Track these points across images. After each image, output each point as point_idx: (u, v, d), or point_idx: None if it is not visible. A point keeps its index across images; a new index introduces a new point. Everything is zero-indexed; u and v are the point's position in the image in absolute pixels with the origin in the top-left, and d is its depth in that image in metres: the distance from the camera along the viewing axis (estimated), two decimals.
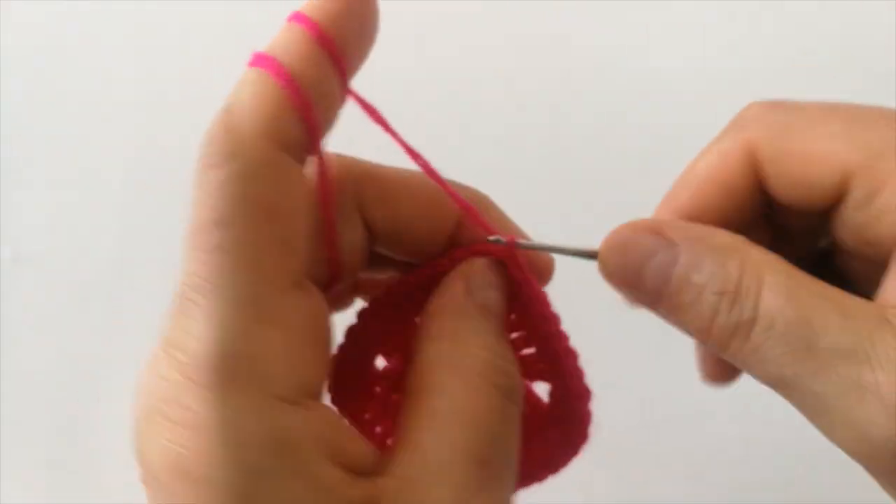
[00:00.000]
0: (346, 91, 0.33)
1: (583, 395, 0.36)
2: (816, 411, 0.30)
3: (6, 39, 0.74)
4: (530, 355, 0.37)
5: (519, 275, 0.35)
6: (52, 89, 0.75)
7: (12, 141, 0.75)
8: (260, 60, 0.31)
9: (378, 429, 0.37)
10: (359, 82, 0.36)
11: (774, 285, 0.30)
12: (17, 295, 0.74)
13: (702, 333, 0.31)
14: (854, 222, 0.33)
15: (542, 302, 0.35)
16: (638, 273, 0.32)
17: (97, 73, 0.75)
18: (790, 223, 0.37)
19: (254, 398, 0.26)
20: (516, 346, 0.36)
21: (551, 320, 0.35)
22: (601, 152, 0.71)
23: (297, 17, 0.31)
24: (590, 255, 0.34)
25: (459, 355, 0.31)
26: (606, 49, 0.71)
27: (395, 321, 0.36)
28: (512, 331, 0.36)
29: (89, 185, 0.74)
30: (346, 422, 0.32)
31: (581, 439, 0.37)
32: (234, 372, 0.26)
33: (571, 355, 0.36)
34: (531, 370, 0.37)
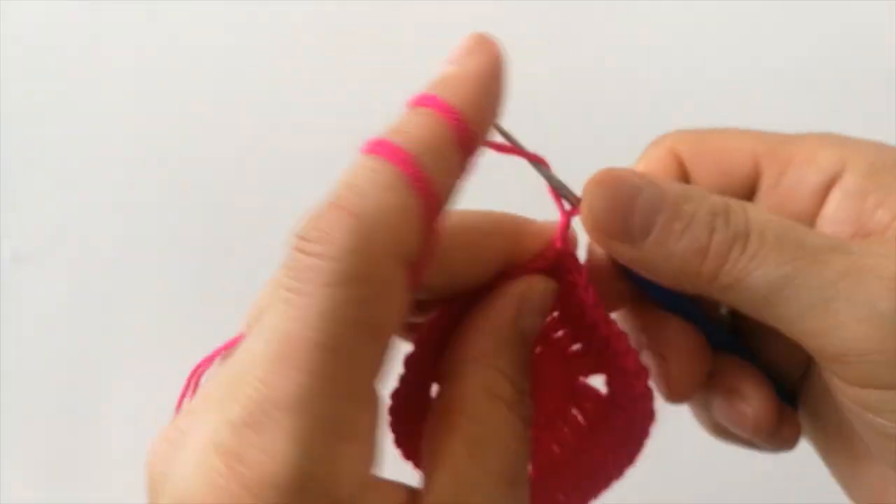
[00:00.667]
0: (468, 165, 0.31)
1: (640, 373, 0.36)
2: (815, 308, 0.31)
3: (6, 39, 0.75)
4: (577, 351, 0.37)
5: (570, 272, 0.35)
6: (52, 89, 0.75)
7: (12, 141, 0.75)
8: (393, 154, 0.27)
9: None
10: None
11: (756, 209, 0.33)
12: (17, 295, 0.74)
13: (698, 255, 0.32)
14: (769, 205, 0.36)
15: (591, 295, 0.35)
16: (628, 205, 0.33)
17: (97, 73, 0.75)
18: None
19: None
20: (562, 344, 0.37)
21: (600, 313, 0.36)
22: (601, 153, 0.71)
23: (431, 102, 0.29)
24: (571, 200, 0.35)
25: (496, 384, 0.31)
26: (605, 49, 0.72)
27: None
28: (557, 329, 0.37)
29: (89, 185, 0.74)
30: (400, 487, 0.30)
31: (647, 421, 0.37)
32: (304, 491, 0.25)
33: (622, 338, 0.36)
34: (581, 365, 0.37)
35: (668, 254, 0.33)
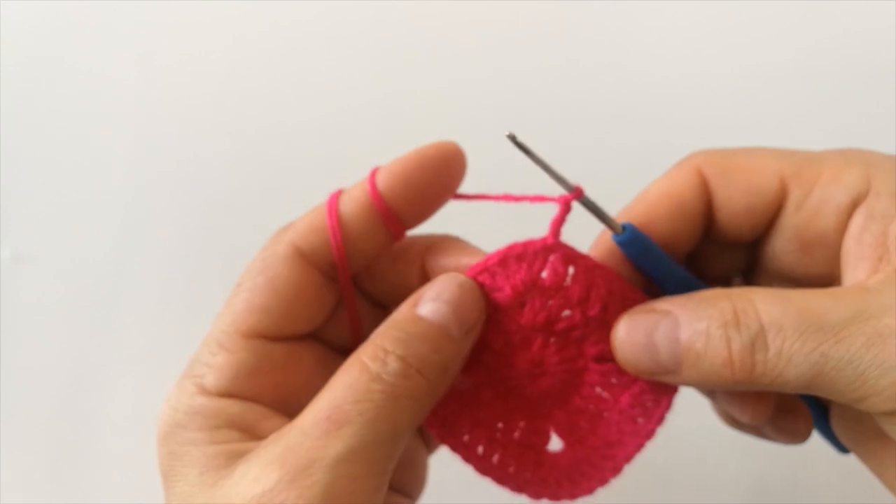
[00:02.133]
0: (398, 232, 0.40)
1: None
2: (853, 382, 0.32)
3: (6, 39, 0.75)
4: (588, 334, 0.39)
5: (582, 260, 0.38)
6: (52, 89, 0.75)
7: (12, 141, 0.75)
8: (330, 200, 0.40)
9: (480, 448, 0.40)
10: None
11: (765, 298, 0.34)
12: (17, 295, 0.74)
13: (726, 367, 0.34)
14: (795, 224, 0.38)
15: (605, 269, 0.38)
16: (650, 346, 0.36)
17: (97, 73, 0.75)
18: (726, 248, 0.41)
19: (192, 386, 0.39)
20: (571, 332, 0.39)
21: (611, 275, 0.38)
22: (601, 153, 0.71)
23: (371, 175, 0.40)
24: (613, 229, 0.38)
25: (362, 350, 0.37)
26: (605, 49, 0.72)
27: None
28: (564, 308, 0.38)
29: (89, 185, 0.74)
30: (269, 411, 0.39)
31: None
32: (191, 371, 0.39)
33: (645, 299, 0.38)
34: (602, 346, 0.39)
35: (703, 374, 0.35)
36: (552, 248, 0.37)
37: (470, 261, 0.39)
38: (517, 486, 0.40)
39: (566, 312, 0.38)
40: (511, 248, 0.38)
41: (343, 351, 0.41)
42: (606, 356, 0.39)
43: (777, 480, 0.68)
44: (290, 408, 0.39)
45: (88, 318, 0.74)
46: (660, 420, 0.39)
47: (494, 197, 0.39)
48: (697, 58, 0.71)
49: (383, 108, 0.71)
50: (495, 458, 0.40)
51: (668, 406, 0.39)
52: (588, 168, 0.70)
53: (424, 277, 0.41)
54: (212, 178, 0.73)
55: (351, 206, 0.40)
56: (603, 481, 0.40)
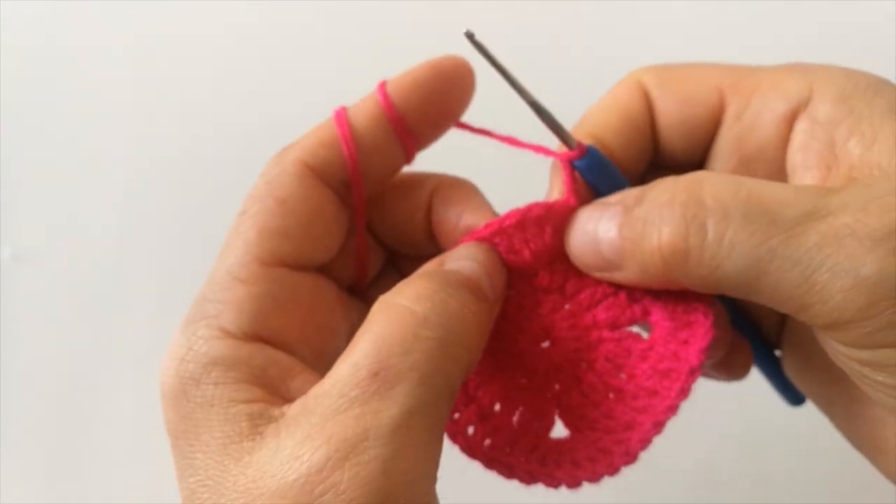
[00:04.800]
0: (410, 153, 0.37)
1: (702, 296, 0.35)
2: (799, 285, 0.29)
3: (6, 39, 0.75)
4: (612, 304, 0.37)
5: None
6: (52, 90, 0.75)
7: (12, 141, 0.75)
8: (338, 113, 0.36)
9: (470, 429, 0.36)
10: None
11: (715, 180, 0.31)
12: (17, 295, 0.74)
13: (654, 255, 0.31)
14: (733, 137, 0.35)
15: None
16: (592, 236, 0.33)
17: (97, 73, 0.75)
18: (676, 157, 0.38)
19: (206, 329, 0.33)
20: (594, 299, 0.37)
21: None
22: None
23: (381, 86, 0.36)
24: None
25: (395, 295, 0.32)
26: (605, 49, 0.72)
27: None
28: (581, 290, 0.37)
29: (89, 185, 0.74)
30: (296, 364, 0.33)
31: (705, 340, 0.35)
32: (202, 311, 0.33)
33: None
34: (618, 316, 0.37)
35: (644, 266, 0.32)
36: (574, 209, 0.35)
37: (476, 218, 0.36)
38: (510, 472, 0.36)
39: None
40: (530, 209, 0.35)
41: (348, 291, 0.38)
42: (620, 323, 0.36)
43: (778, 481, 0.68)
44: (314, 352, 0.34)
45: (88, 317, 0.74)
46: (681, 392, 0.35)
47: (498, 136, 0.37)
48: (697, 57, 0.71)
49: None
50: (487, 442, 0.36)
51: (691, 377, 0.35)
52: None
53: (429, 223, 0.38)
54: (212, 178, 0.73)
55: (363, 117, 0.36)
56: (612, 467, 0.35)
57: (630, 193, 0.33)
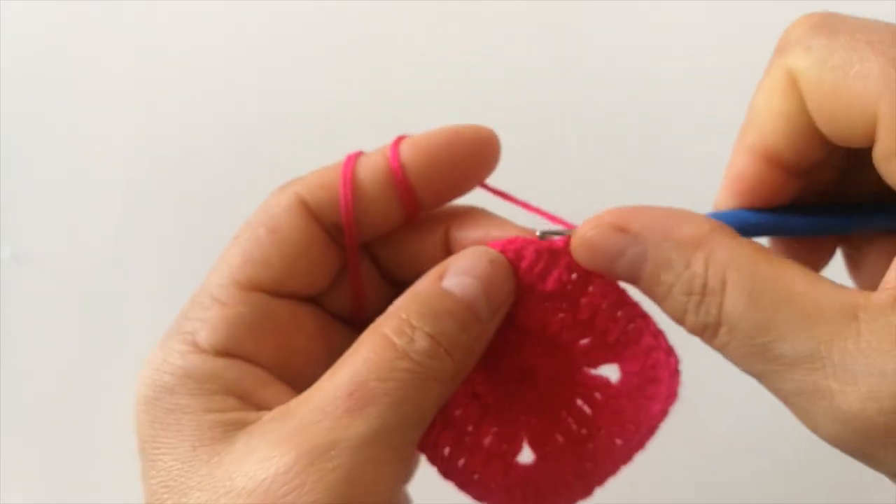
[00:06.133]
0: (413, 211, 0.37)
1: (670, 350, 0.37)
2: (784, 402, 0.31)
3: (6, 39, 0.75)
4: (586, 344, 0.37)
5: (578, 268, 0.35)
6: (52, 89, 0.75)
7: (12, 141, 0.75)
8: (350, 156, 0.37)
9: (469, 428, 0.38)
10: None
11: (738, 286, 0.31)
12: (17, 295, 0.74)
13: (678, 322, 0.33)
14: (886, 170, 0.32)
15: (611, 287, 0.36)
16: (610, 269, 0.34)
17: (97, 73, 0.75)
18: (850, 158, 0.36)
19: (181, 344, 0.35)
20: (569, 339, 0.37)
21: (619, 297, 0.36)
22: (600, 153, 0.71)
23: (395, 142, 0.37)
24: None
25: (384, 323, 0.34)
26: (604, 49, 0.71)
27: None
28: (564, 327, 0.37)
29: (89, 185, 0.74)
30: (268, 377, 0.35)
31: (669, 401, 0.37)
32: (179, 327, 0.35)
33: (649, 320, 0.37)
34: (591, 357, 0.38)
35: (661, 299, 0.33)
36: (566, 253, 0.35)
37: (500, 233, 0.36)
38: (479, 494, 0.37)
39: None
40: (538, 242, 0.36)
41: (344, 321, 0.39)
42: (593, 360, 0.38)
43: (778, 481, 0.68)
44: (289, 373, 0.36)
45: (88, 317, 0.74)
46: (640, 446, 0.38)
47: (515, 200, 0.38)
48: (697, 57, 0.71)
49: (383, 105, 0.71)
50: (461, 462, 0.37)
51: (649, 433, 0.37)
52: (587, 166, 0.70)
53: (447, 251, 0.38)
54: (212, 178, 0.73)
55: (368, 169, 0.36)
56: (570, 500, 0.38)
57: (654, 237, 0.33)
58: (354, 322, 0.39)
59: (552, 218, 0.37)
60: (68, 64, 0.75)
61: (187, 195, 0.74)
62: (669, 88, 0.71)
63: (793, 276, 0.31)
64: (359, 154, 0.37)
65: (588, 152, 0.71)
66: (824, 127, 0.33)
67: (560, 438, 0.39)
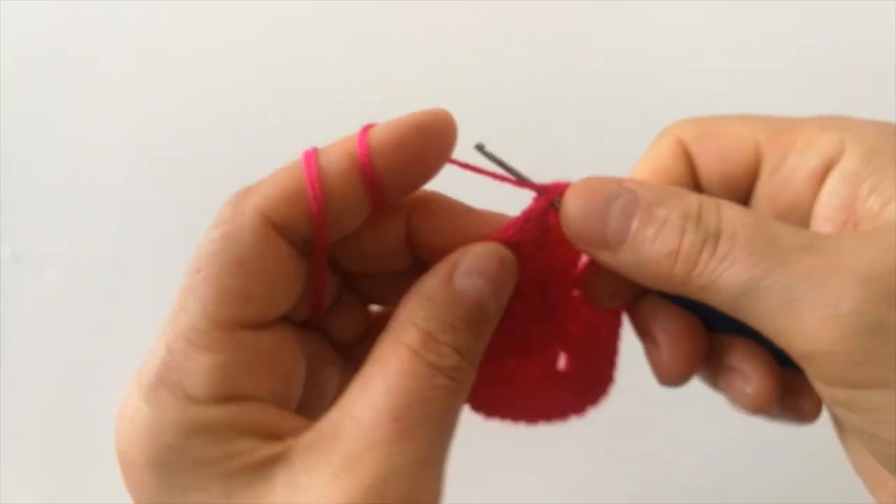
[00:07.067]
0: (378, 204, 0.35)
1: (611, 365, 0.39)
2: (782, 309, 0.31)
3: (6, 39, 0.75)
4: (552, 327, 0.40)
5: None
6: (52, 90, 0.75)
7: (12, 141, 0.75)
8: (308, 154, 0.34)
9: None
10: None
11: (732, 207, 0.33)
12: (17, 295, 0.74)
13: (670, 258, 0.33)
14: (770, 192, 0.36)
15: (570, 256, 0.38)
16: (602, 213, 0.34)
17: (97, 73, 0.75)
18: None
19: (173, 398, 0.32)
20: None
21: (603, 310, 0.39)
22: (600, 153, 0.71)
23: (362, 132, 0.34)
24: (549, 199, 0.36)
25: (404, 332, 0.33)
26: (604, 50, 0.72)
27: None
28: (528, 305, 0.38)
29: (89, 185, 0.74)
30: (275, 408, 0.34)
31: (600, 396, 0.41)
32: (163, 380, 0.33)
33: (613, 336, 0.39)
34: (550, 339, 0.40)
35: (643, 258, 0.33)
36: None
37: (463, 219, 0.36)
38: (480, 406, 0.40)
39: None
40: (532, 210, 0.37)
41: (302, 324, 0.38)
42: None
43: (778, 481, 0.68)
44: (284, 396, 0.35)
45: (88, 317, 0.74)
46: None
47: (480, 170, 0.37)
48: (697, 57, 0.71)
49: (383, 105, 0.71)
50: (488, 391, 0.40)
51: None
52: (587, 166, 0.70)
53: (410, 242, 0.37)
54: (212, 178, 0.73)
55: (333, 167, 0.34)
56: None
57: (647, 187, 0.34)
58: (312, 322, 0.39)
59: (522, 183, 0.37)
60: (68, 64, 0.75)
61: (187, 195, 0.74)
62: (669, 88, 0.71)
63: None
64: (316, 151, 0.35)
65: (588, 152, 0.71)
66: (708, 167, 0.37)
67: (535, 373, 0.41)
